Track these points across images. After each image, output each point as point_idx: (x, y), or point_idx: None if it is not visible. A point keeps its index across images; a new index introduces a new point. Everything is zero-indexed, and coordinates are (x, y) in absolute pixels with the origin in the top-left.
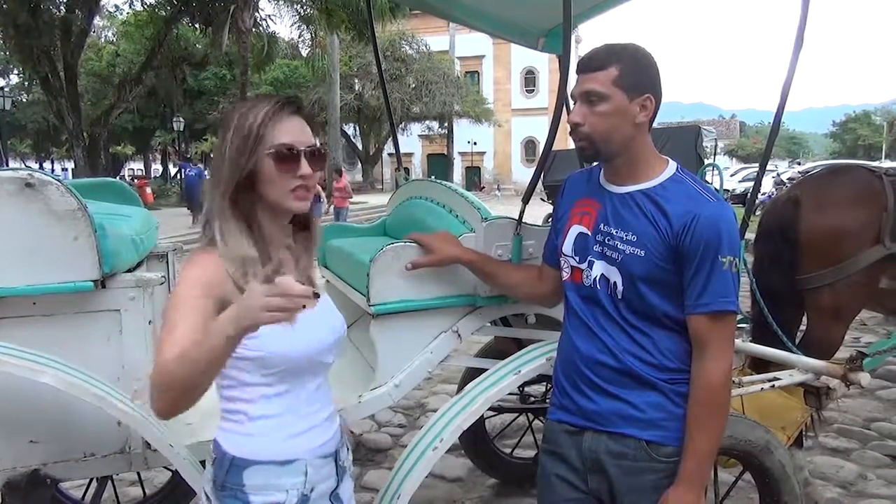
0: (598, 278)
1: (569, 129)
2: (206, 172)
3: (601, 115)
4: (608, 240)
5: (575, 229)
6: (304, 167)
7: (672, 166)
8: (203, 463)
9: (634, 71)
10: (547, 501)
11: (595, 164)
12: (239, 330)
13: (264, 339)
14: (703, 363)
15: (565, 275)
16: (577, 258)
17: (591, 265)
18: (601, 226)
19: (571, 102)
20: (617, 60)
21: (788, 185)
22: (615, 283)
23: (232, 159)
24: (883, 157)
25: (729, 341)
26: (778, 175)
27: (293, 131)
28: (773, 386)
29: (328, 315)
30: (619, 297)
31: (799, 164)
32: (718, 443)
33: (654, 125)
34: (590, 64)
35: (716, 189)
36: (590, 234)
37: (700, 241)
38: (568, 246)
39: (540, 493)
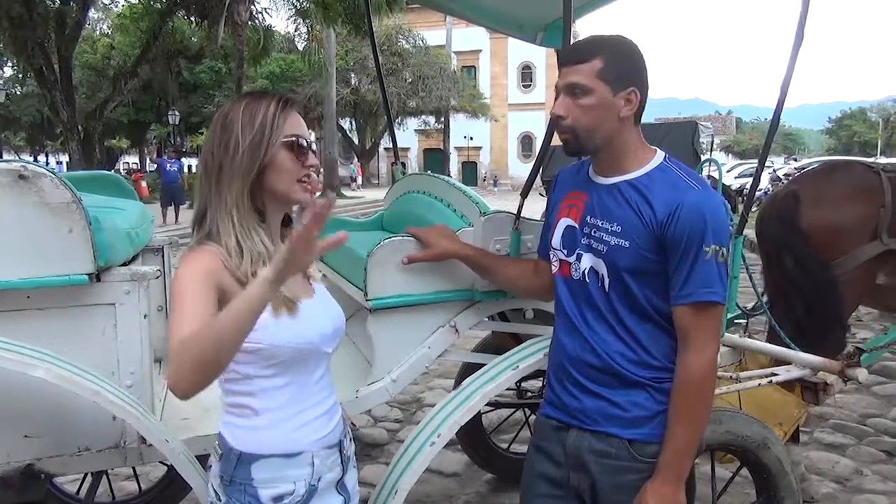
0: (587, 271)
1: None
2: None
3: (585, 109)
4: (594, 232)
5: (563, 222)
6: (312, 158)
7: (659, 156)
8: (199, 458)
9: (618, 64)
10: (527, 493)
11: (585, 157)
12: (278, 273)
13: (264, 330)
14: (686, 355)
15: (554, 268)
16: (565, 251)
17: (579, 258)
18: (587, 218)
19: (555, 95)
20: (600, 53)
21: (785, 181)
22: (603, 275)
23: (249, 150)
24: (878, 153)
25: (713, 333)
26: (774, 171)
27: (299, 125)
28: (771, 381)
29: (327, 305)
30: (606, 289)
31: (795, 160)
32: (699, 437)
33: (652, 121)
34: (573, 56)
35: (713, 180)
36: (577, 226)
37: (684, 230)
38: (557, 239)
39: (523, 486)
